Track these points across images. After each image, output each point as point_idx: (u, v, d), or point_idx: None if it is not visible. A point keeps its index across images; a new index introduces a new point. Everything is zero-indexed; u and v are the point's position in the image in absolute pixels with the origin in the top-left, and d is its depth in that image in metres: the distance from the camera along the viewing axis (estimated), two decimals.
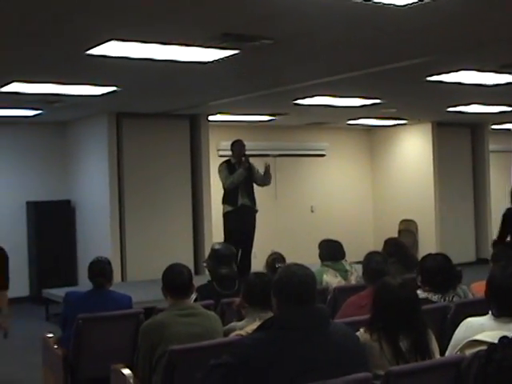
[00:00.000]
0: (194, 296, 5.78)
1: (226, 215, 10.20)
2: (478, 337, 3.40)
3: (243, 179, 10.04)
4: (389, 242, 7.16)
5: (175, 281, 4.67)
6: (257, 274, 4.77)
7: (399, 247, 7.10)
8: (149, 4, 5.03)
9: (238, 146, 10.28)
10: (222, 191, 10.28)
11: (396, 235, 14.91)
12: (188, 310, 4.64)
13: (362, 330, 3.80)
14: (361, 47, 6.83)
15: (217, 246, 6.47)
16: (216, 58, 6.89)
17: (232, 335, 4.42)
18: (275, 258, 7.07)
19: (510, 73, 8.43)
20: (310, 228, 14.60)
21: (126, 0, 4.92)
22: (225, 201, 10.22)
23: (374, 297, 3.94)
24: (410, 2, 5.04)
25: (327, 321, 3.35)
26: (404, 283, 3.91)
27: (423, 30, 6.15)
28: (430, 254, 5.50)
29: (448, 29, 6.12)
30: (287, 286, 3.35)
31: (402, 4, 5.09)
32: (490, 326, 3.62)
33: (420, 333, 3.77)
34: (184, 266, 4.80)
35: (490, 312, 3.74)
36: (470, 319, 3.80)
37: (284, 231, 14.54)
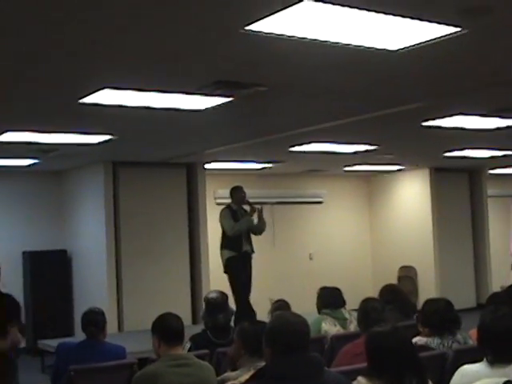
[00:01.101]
0: (188, 345, 5.70)
1: (229, 260, 9.99)
2: None
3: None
4: (386, 289, 7.07)
5: (170, 327, 4.61)
6: (251, 321, 4.69)
7: (396, 294, 7.01)
8: (141, 52, 5.03)
9: (238, 192, 10.21)
10: (221, 237, 10.14)
11: (395, 282, 14.82)
12: (181, 360, 4.56)
13: (359, 378, 3.69)
14: (356, 93, 6.82)
15: (209, 295, 6.42)
16: (210, 106, 6.88)
17: None
18: (279, 306, 6.95)
19: (505, 117, 8.42)
20: (308, 276, 14.49)
21: (118, 49, 4.91)
22: (227, 246, 10.03)
23: (366, 346, 3.84)
24: (402, 46, 5.04)
25: (321, 369, 3.28)
26: (393, 331, 3.75)
27: (416, 75, 6.15)
28: (432, 298, 5.60)
29: (441, 73, 6.12)
30: (279, 335, 3.28)
31: (395, 49, 5.09)
32: (485, 373, 3.54)
33: (416, 379, 3.65)
34: (173, 316, 4.75)
35: (484, 359, 3.66)
36: (465, 366, 3.73)
37: (282, 279, 14.43)
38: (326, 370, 3.35)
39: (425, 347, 5.14)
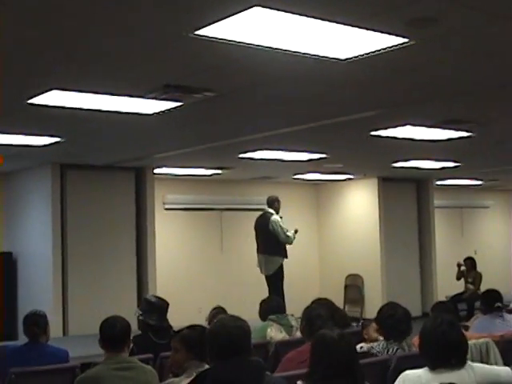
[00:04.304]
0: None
1: (282, 266, 11.07)
2: None
3: None
4: (317, 303, 7.09)
5: (106, 333, 4.61)
6: (190, 326, 4.65)
7: (328, 307, 7.02)
8: (90, 54, 5.01)
9: (279, 202, 11.16)
10: (273, 243, 11.00)
11: (342, 290, 14.97)
12: (124, 363, 4.55)
13: (299, 382, 3.73)
14: (304, 101, 6.85)
15: (153, 299, 6.48)
16: (158, 110, 6.87)
17: None
18: (216, 313, 6.96)
19: (453, 128, 8.54)
20: (257, 282, 14.47)
21: (66, 50, 4.88)
22: (282, 254, 11.10)
23: (311, 349, 3.88)
24: (350, 55, 5.08)
25: (261, 374, 3.29)
26: (341, 335, 3.87)
27: (364, 85, 6.21)
28: (395, 303, 5.59)
29: (390, 84, 6.19)
30: (218, 338, 3.30)
31: (343, 58, 5.14)
32: (427, 378, 3.60)
33: None
34: (118, 319, 4.72)
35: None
36: (407, 372, 3.79)
37: (231, 285, 14.41)
38: (267, 375, 3.36)
39: (367, 354, 5.19)
